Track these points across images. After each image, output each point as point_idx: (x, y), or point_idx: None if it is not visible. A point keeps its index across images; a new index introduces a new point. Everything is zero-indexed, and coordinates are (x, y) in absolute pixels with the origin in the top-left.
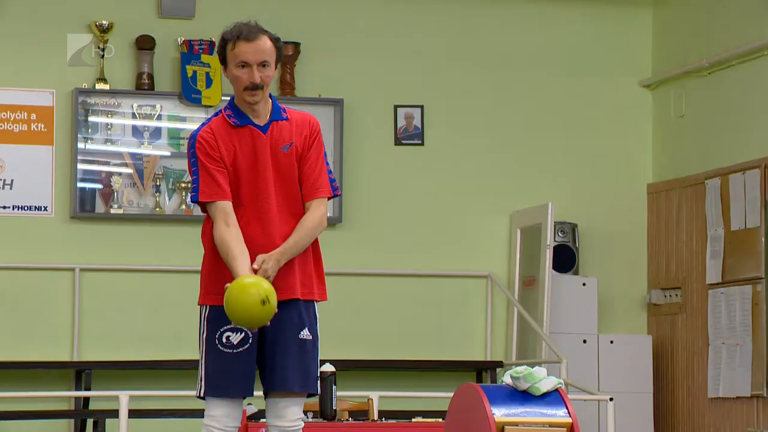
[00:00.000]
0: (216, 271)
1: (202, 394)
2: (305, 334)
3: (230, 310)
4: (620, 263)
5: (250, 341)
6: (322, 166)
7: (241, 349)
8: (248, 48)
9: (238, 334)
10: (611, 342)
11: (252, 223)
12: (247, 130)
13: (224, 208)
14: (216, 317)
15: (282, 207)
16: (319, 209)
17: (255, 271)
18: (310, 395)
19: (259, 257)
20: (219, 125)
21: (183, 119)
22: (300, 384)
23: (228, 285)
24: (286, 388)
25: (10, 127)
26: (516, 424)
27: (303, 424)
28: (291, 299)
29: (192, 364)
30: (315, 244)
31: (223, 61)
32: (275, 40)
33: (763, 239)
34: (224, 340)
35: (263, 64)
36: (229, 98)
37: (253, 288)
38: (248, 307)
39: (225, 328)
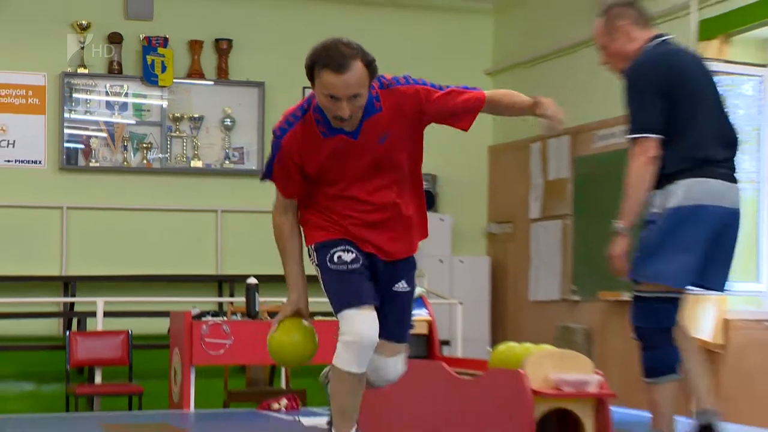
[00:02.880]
0: (311, 220)
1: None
2: (402, 286)
3: (276, 356)
4: (468, 204)
5: (361, 261)
6: (456, 95)
7: (355, 265)
8: (337, 81)
9: (349, 253)
10: (461, 261)
11: (368, 228)
12: (336, 139)
13: (285, 205)
14: (322, 246)
15: (401, 195)
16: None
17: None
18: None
19: None
20: (306, 133)
21: (144, 96)
22: (396, 336)
23: (273, 333)
24: (382, 337)
25: (12, 100)
26: None
27: (403, 366)
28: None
29: (153, 279)
30: (422, 192)
31: (311, 79)
32: (368, 63)
33: (570, 186)
34: (335, 260)
35: (354, 96)
36: (307, 107)
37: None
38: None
39: (334, 249)
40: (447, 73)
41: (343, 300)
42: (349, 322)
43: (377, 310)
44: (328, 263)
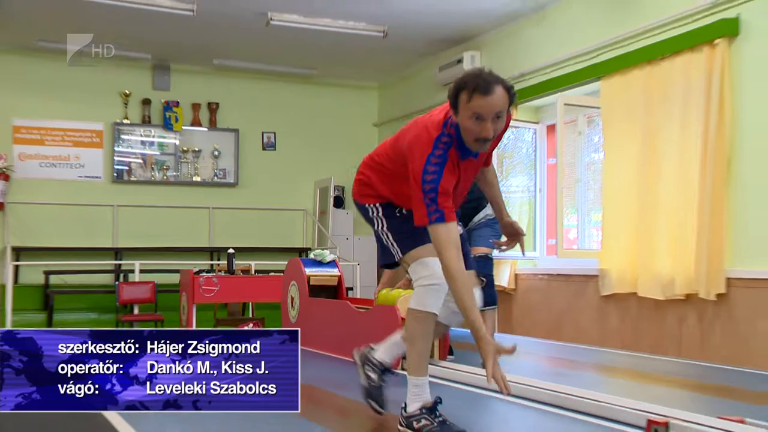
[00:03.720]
0: (382, 191)
1: (401, 254)
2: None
3: None
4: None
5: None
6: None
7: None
8: (484, 102)
9: (405, 210)
10: (358, 239)
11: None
12: (467, 162)
13: (456, 235)
14: (388, 206)
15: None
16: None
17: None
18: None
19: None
20: (450, 158)
21: (164, 137)
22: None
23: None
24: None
25: (82, 139)
26: (315, 275)
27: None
28: None
29: (169, 249)
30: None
31: (454, 104)
32: (509, 89)
33: None
34: (397, 213)
35: (497, 116)
36: (449, 132)
37: None
38: None
39: (398, 207)
40: (350, 124)
41: (414, 242)
42: (426, 268)
43: None
44: (396, 213)
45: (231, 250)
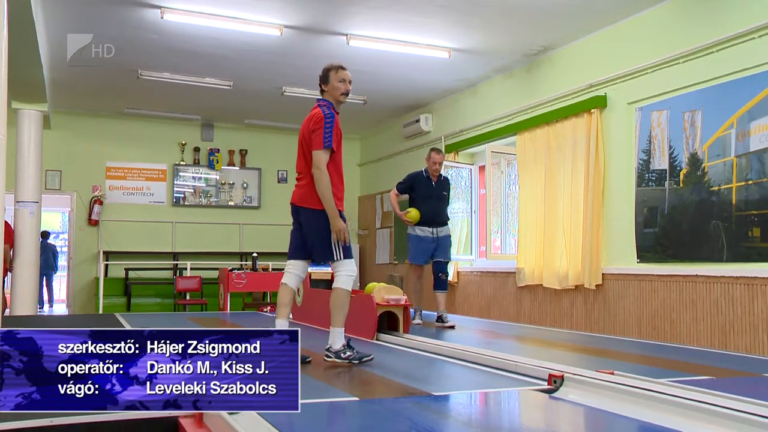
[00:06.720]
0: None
1: (339, 257)
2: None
3: None
4: (350, 221)
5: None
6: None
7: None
8: (344, 73)
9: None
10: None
11: (337, 176)
12: (337, 117)
13: (328, 159)
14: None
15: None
16: None
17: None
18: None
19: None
20: (334, 113)
21: (209, 174)
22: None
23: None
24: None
25: (152, 175)
26: (315, 272)
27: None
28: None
29: (212, 253)
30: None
31: (325, 80)
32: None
33: (392, 213)
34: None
35: (349, 81)
36: (327, 102)
37: None
38: None
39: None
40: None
41: (348, 254)
42: (351, 266)
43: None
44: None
45: (255, 254)
